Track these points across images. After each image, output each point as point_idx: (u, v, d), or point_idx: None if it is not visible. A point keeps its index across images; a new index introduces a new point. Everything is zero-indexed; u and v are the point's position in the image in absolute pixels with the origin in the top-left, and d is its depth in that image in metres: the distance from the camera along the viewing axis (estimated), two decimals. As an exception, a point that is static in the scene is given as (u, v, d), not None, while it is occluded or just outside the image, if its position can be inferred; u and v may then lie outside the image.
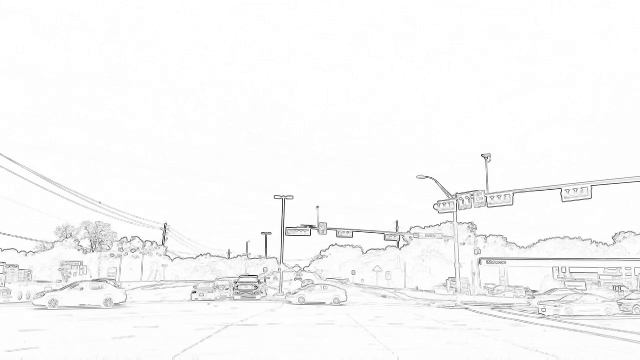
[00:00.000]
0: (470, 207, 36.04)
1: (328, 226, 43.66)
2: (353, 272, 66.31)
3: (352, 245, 73.06)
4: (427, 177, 38.35)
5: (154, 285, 58.83)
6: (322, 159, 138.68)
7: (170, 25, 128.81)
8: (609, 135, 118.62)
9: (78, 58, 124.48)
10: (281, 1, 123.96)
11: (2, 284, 43.64)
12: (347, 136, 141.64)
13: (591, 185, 30.46)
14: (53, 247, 65.54)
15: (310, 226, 43.73)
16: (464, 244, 59.06)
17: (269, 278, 66.24)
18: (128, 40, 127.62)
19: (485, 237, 62.99)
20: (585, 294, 30.17)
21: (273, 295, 42.30)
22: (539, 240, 61.71)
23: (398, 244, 68.04)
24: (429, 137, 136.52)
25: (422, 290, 56.91)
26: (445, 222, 60.08)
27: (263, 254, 75.93)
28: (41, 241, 66.99)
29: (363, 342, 14.74)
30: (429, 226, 62.20)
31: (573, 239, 60.36)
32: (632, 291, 39.83)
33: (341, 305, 32.70)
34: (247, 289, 37.97)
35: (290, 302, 33.70)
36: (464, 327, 19.71)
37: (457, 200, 36.68)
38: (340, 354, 12.36)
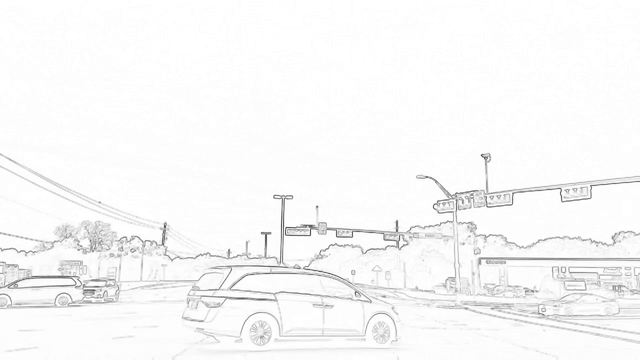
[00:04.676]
0: (470, 207, 36.05)
1: (328, 226, 43.67)
2: (353, 272, 66.29)
3: (352, 245, 72.98)
4: (427, 177, 38.34)
5: (154, 285, 58.82)
6: (322, 159, 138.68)
7: (170, 25, 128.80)
8: (608, 135, 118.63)
9: (78, 58, 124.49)
10: (281, 1, 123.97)
11: (2, 283, 43.60)
12: (347, 136, 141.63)
13: (591, 185, 30.45)
14: (53, 247, 65.54)
15: (310, 226, 43.71)
16: (463, 244, 59.07)
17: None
18: (128, 40, 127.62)
19: (485, 237, 63.00)
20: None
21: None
22: (539, 240, 61.72)
23: (398, 244, 68.01)
24: (429, 137, 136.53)
25: (422, 290, 56.92)
26: (445, 222, 60.10)
27: (263, 253, 75.99)
28: (41, 241, 67.01)
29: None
30: (429, 226, 62.23)
31: (573, 239, 60.37)
32: (632, 291, 39.85)
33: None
34: (247, 289, 37.89)
35: None
36: (464, 327, 19.70)
37: (456, 200, 36.68)
38: (340, 353, 12.35)
